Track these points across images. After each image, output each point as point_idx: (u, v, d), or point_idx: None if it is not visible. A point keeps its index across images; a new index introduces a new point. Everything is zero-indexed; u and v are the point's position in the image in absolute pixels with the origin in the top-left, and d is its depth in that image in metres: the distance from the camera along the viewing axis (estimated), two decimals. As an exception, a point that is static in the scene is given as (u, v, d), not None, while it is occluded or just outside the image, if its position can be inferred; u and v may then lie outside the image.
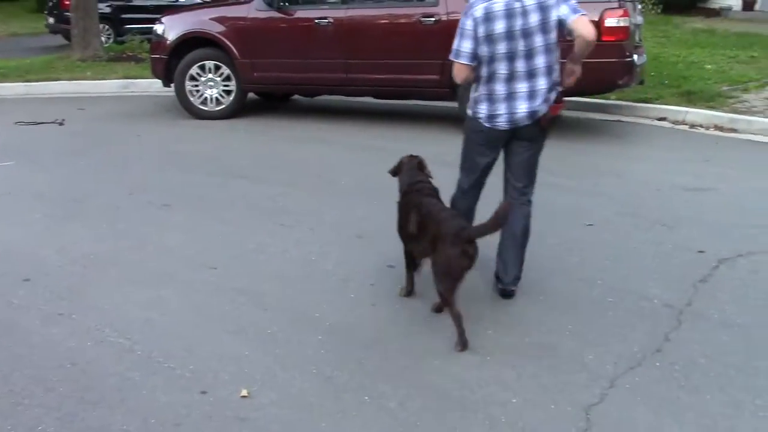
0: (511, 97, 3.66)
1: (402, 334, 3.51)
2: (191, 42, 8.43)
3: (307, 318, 3.67)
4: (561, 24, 3.57)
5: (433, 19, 7.50)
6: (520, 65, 3.61)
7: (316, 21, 7.89)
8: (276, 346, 3.39)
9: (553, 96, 3.69)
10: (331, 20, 7.83)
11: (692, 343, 3.44)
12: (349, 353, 3.34)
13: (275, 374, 3.16)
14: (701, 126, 8.21)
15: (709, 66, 10.83)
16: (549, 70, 3.64)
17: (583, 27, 3.51)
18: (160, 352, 3.32)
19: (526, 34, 3.56)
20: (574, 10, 3.54)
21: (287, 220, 5.06)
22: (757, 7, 17.04)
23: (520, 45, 3.58)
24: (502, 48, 3.58)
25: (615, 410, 2.92)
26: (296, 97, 9.69)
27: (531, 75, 3.63)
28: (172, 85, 8.58)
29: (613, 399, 3.00)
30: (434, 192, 3.81)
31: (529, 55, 3.60)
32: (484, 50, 3.61)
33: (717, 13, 16.69)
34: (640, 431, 2.80)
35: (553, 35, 3.61)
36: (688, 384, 3.11)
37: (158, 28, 8.66)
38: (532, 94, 3.65)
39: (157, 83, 9.26)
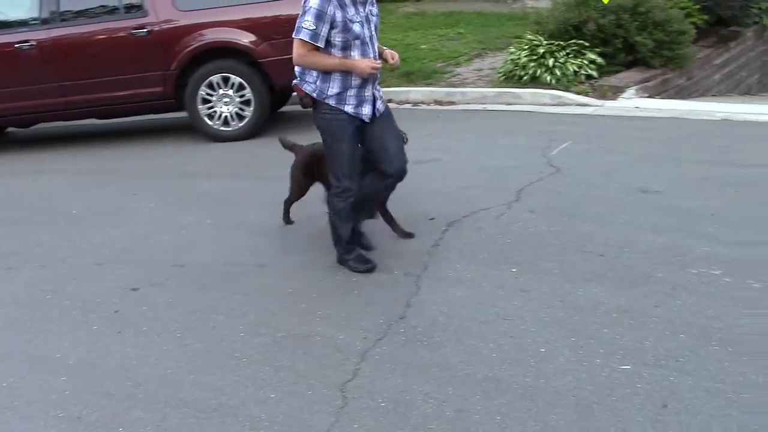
0: None
1: (151, 356, 3.40)
2: None
3: (48, 361, 3.43)
4: None
5: (145, 30, 7.24)
6: None
7: (17, 46, 7.29)
8: (14, 399, 3.13)
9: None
10: (34, 43, 7.27)
11: (431, 304, 3.69)
12: (98, 387, 3.17)
13: (15, 428, 2.92)
14: (423, 102, 8.78)
15: (424, 46, 11.57)
16: None
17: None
18: None
19: None
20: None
21: (14, 262, 4.66)
22: (459, -13, 18.43)
23: None
24: None
25: (368, 382, 3.06)
26: (11, 129, 8.92)
27: None
28: None
29: (365, 372, 3.14)
30: None
31: None
32: None
33: (425, -4, 17.85)
34: (391, 396, 2.95)
35: None
36: (430, 342, 3.33)
37: None
38: None
39: None
